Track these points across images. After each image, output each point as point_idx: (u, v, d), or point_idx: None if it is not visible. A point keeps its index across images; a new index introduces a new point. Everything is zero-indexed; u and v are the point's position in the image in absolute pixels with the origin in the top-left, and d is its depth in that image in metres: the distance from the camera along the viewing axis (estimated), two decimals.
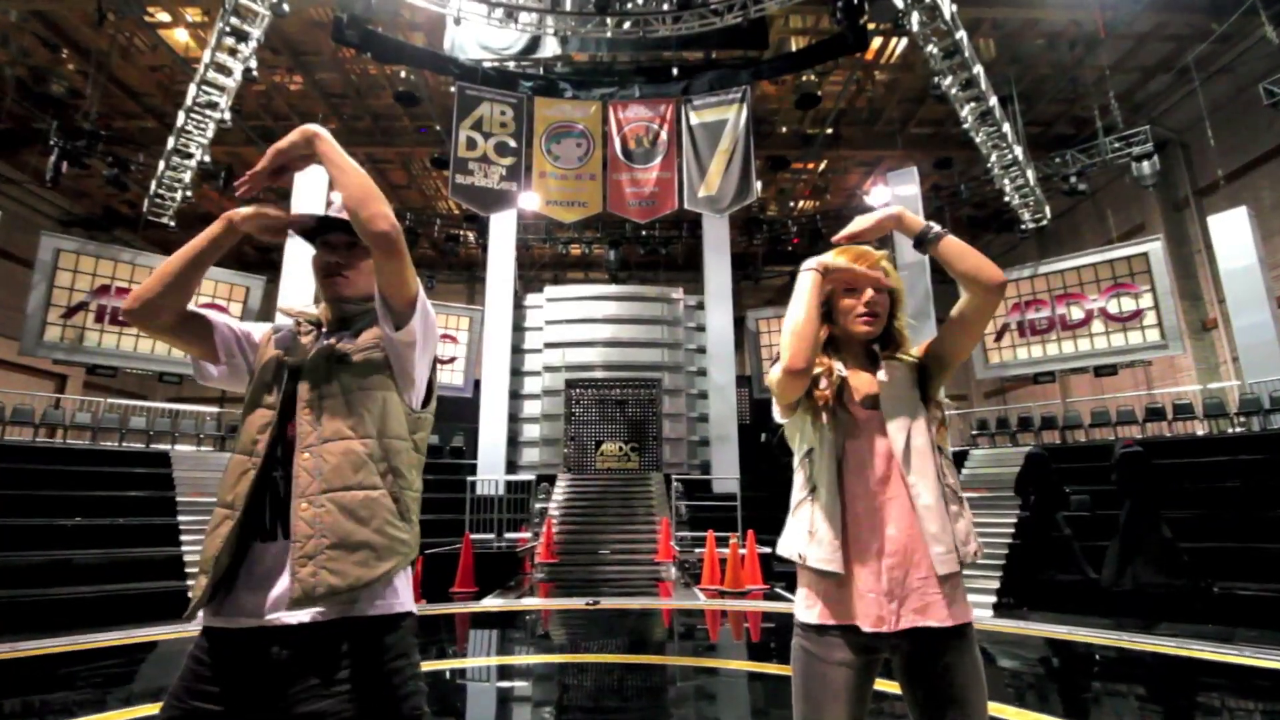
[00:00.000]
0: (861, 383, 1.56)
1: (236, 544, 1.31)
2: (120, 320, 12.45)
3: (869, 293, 1.57)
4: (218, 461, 11.58)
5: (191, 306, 1.46)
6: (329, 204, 1.53)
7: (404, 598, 1.38)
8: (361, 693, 1.26)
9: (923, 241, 1.53)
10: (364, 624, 1.30)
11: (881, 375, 1.54)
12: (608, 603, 7.82)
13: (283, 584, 1.28)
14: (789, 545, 1.53)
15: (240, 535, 1.31)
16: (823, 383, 1.56)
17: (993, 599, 8.05)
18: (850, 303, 1.58)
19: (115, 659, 5.50)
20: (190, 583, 8.12)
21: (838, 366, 1.54)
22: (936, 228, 1.52)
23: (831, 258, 1.58)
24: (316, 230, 1.54)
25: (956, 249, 1.49)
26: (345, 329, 1.51)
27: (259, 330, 1.56)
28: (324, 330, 1.52)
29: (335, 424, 1.37)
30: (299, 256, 12.44)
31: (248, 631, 1.28)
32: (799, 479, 1.56)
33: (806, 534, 1.49)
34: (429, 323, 1.48)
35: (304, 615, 1.26)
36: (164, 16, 12.85)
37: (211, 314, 1.50)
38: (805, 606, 1.50)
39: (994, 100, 11.82)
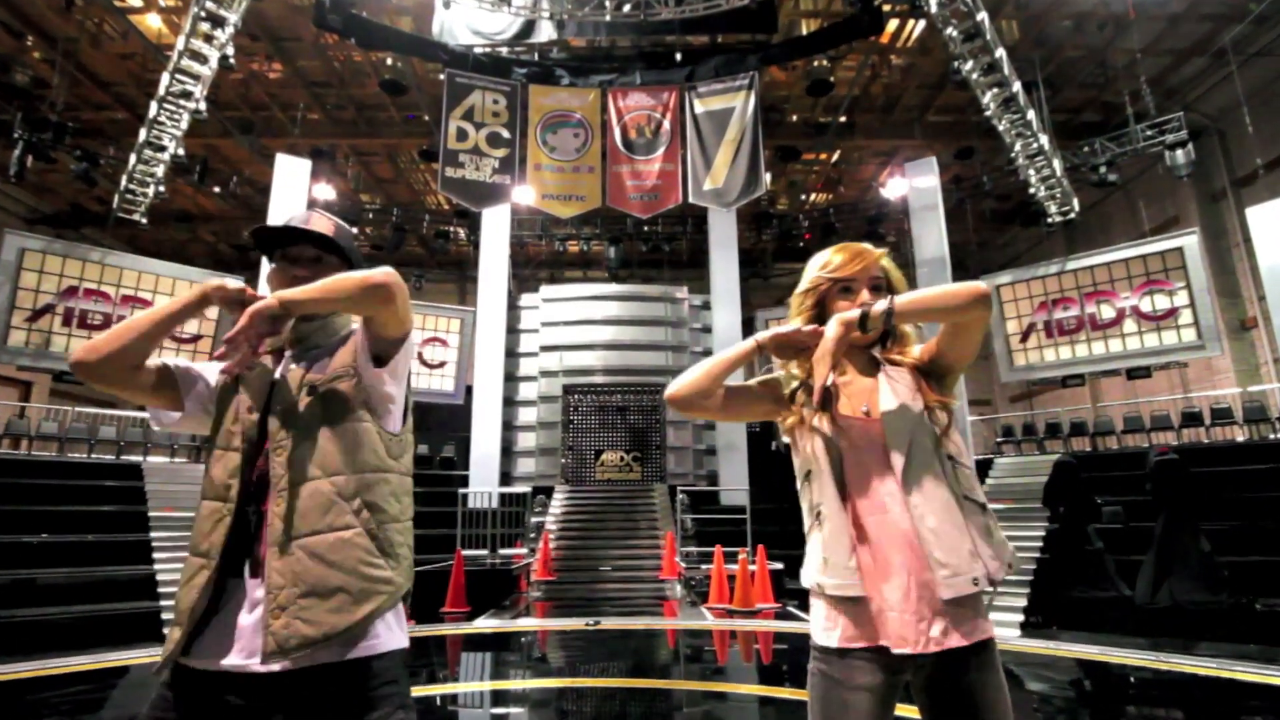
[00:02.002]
0: (858, 389, 1.55)
1: (213, 590, 1.35)
2: (89, 324, 12.49)
3: (864, 294, 1.56)
4: (192, 474, 11.59)
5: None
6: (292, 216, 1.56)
7: (389, 637, 1.39)
8: None
9: (877, 323, 1.47)
10: (342, 669, 1.33)
11: (881, 380, 1.54)
12: (609, 623, 7.82)
13: (256, 629, 1.31)
14: (807, 576, 1.54)
15: (216, 580, 1.35)
16: (800, 397, 1.56)
17: (1020, 617, 8.03)
18: (845, 305, 1.56)
19: (84, 684, 5.50)
20: (166, 603, 8.16)
21: (824, 375, 1.48)
22: (879, 305, 1.47)
23: (812, 269, 1.64)
24: (275, 241, 1.53)
25: (917, 304, 1.46)
26: (303, 346, 1.51)
27: (211, 369, 1.55)
28: (283, 352, 1.51)
29: (303, 463, 1.37)
30: None
31: (219, 675, 1.30)
32: (803, 505, 1.57)
33: (820, 563, 1.50)
34: (409, 347, 1.51)
35: (275, 665, 1.28)
36: (135, 1, 12.90)
37: (169, 360, 1.51)
38: (824, 629, 1.49)
39: (1018, 86, 11.83)
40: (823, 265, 1.60)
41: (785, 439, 1.63)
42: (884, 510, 1.45)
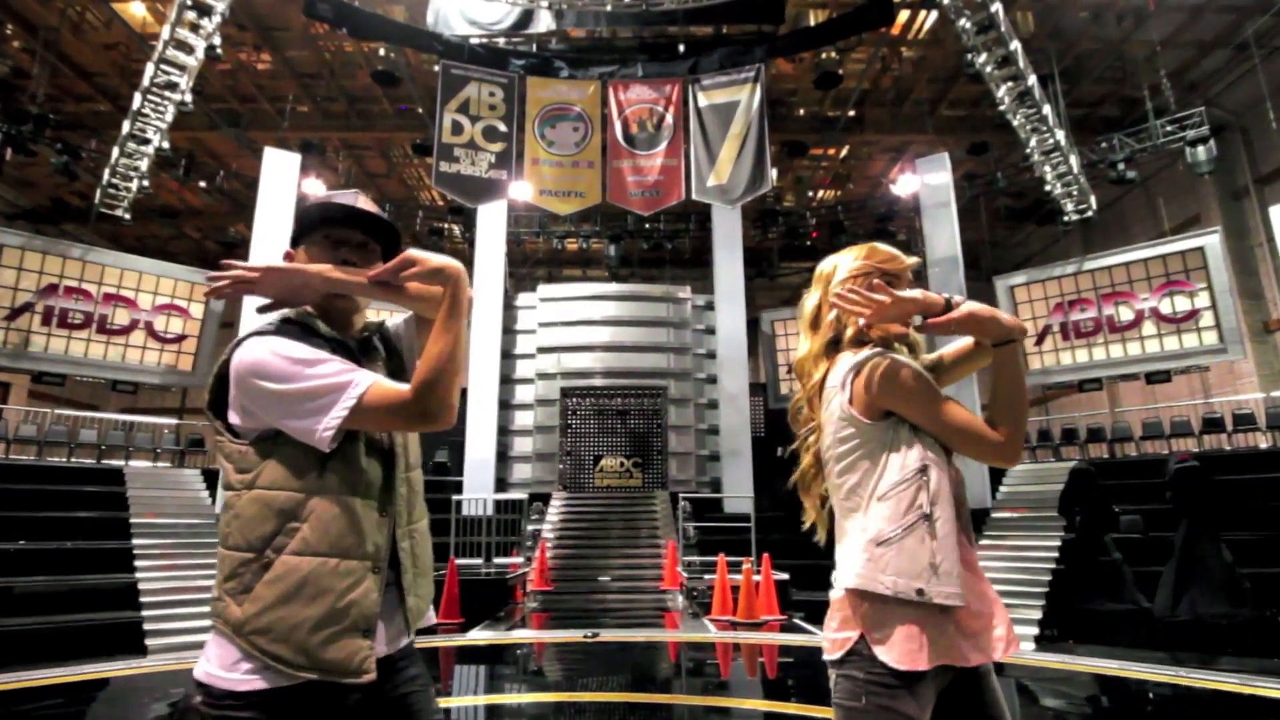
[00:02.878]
0: None
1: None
2: (69, 324, 12.49)
3: (911, 291, 1.59)
4: (175, 479, 11.60)
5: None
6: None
7: None
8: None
9: (944, 311, 1.53)
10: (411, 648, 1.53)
11: None
12: (608, 635, 7.81)
13: (390, 614, 1.43)
14: (899, 581, 1.43)
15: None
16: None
17: (1035, 630, 8.02)
18: None
19: (62, 698, 5.50)
20: (147, 613, 8.16)
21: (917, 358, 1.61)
22: (969, 303, 1.54)
23: (853, 260, 1.66)
24: (321, 220, 1.51)
25: (981, 323, 1.54)
26: (365, 353, 1.53)
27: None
28: (356, 354, 1.49)
29: (410, 453, 1.53)
30: (266, 252, 12.46)
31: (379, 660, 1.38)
32: (900, 501, 1.47)
33: (928, 567, 1.42)
34: None
35: (402, 642, 1.46)
36: None
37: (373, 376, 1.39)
38: (907, 649, 1.40)
39: (1033, 79, 11.84)
40: (865, 256, 1.65)
41: (870, 425, 1.53)
42: (959, 514, 1.52)
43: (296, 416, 1.30)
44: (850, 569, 1.48)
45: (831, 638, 1.50)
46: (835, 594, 1.53)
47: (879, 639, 1.42)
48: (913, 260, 1.66)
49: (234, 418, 1.36)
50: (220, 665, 1.28)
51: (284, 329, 1.41)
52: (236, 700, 1.26)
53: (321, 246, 1.49)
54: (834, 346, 1.63)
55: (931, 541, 1.43)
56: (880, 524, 1.47)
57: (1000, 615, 1.48)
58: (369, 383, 1.32)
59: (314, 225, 1.50)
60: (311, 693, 1.27)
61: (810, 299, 1.71)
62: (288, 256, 1.52)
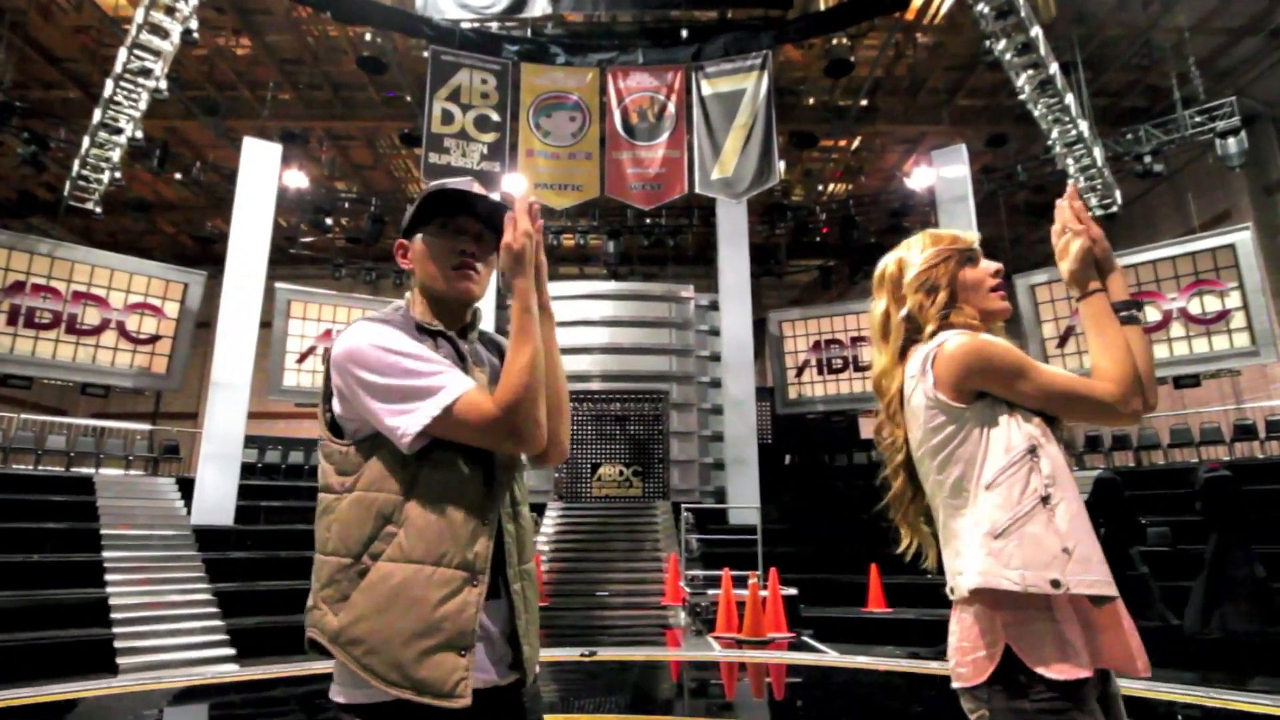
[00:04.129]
0: None
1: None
2: (36, 323, 12.49)
3: (991, 261, 1.58)
4: (148, 488, 11.60)
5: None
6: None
7: None
8: None
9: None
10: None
11: None
12: (606, 654, 7.82)
13: (500, 638, 1.40)
14: (1027, 574, 1.33)
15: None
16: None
17: None
18: (978, 273, 1.58)
19: None
20: (119, 630, 8.16)
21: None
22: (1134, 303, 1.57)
23: (921, 251, 1.62)
24: (443, 207, 1.51)
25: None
26: (471, 353, 1.54)
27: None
28: (460, 351, 1.51)
29: (520, 479, 1.51)
30: (245, 248, 12.48)
31: (491, 690, 1.37)
32: (1012, 487, 1.39)
33: (1060, 554, 1.33)
34: None
35: (511, 677, 1.41)
36: None
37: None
38: (1060, 652, 1.30)
39: (1055, 67, 11.86)
40: (934, 242, 1.61)
41: (960, 408, 1.47)
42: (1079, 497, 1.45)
43: (385, 413, 1.32)
44: (971, 569, 1.38)
45: (969, 659, 1.36)
46: (960, 608, 1.42)
47: (1030, 649, 1.30)
48: (976, 235, 1.64)
49: (337, 406, 1.39)
50: (336, 678, 1.33)
51: (392, 318, 1.45)
52: (344, 712, 1.30)
53: (441, 237, 1.49)
54: (908, 350, 1.58)
55: (1056, 525, 1.36)
56: (995, 514, 1.39)
57: (1131, 625, 1.39)
58: (462, 390, 1.32)
59: (430, 214, 1.50)
60: (413, 713, 1.27)
61: (878, 306, 1.65)
62: (399, 248, 1.55)
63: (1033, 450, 1.40)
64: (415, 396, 1.31)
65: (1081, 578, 1.32)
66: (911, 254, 1.62)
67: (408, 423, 1.30)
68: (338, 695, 1.32)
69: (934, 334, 1.52)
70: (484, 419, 1.31)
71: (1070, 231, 1.54)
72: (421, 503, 1.33)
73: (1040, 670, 1.28)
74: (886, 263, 1.66)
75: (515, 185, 13.66)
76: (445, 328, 1.48)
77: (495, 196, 1.52)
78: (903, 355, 1.57)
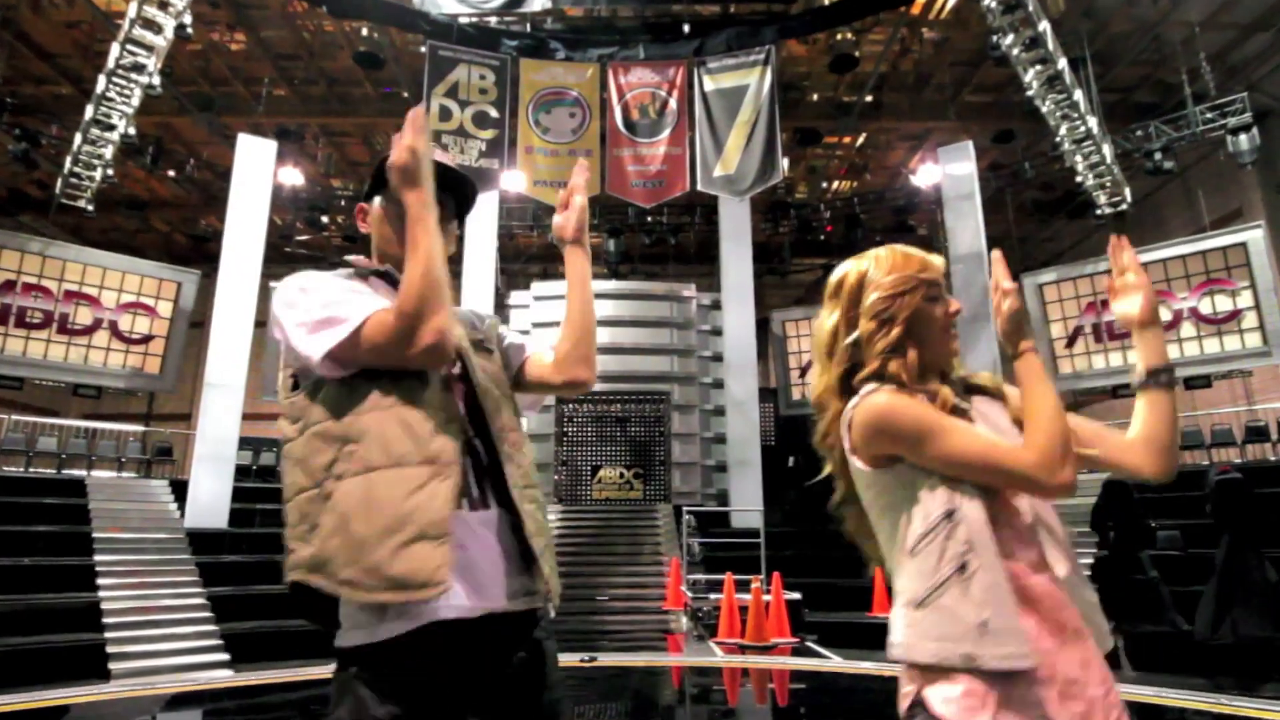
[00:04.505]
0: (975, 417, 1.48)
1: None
2: (27, 323, 12.51)
3: (951, 300, 1.50)
4: (141, 490, 11.61)
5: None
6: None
7: None
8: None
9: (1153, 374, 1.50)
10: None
11: (980, 411, 1.49)
12: (606, 659, 7.81)
13: (506, 545, 1.40)
14: (943, 646, 1.31)
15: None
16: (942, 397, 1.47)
17: None
18: (938, 312, 1.49)
19: None
20: (110, 635, 8.16)
21: (947, 393, 1.43)
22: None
23: (880, 271, 1.50)
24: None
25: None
26: None
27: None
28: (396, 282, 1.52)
29: (509, 412, 1.55)
30: (240, 247, 12.49)
31: (498, 617, 1.36)
32: (929, 556, 1.35)
33: (974, 628, 1.29)
34: None
35: (527, 603, 1.41)
36: None
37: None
38: (965, 708, 1.28)
39: (1063, 62, 11.86)
40: (901, 267, 1.49)
41: (880, 472, 1.43)
42: (1040, 556, 1.38)
43: (299, 342, 1.35)
44: (895, 636, 1.38)
45: (902, 704, 1.39)
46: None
47: (937, 696, 1.30)
48: (941, 261, 1.54)
49: (284, 358, 1.44)
50: (342, 623, 1.34)
51: (336, 267, 1.51)
52: (344, 660, 1.31)
53: (398, 202, 1.48)
54: (850, 378, 1.49)
55: (972, 596, 1.30)
56: (914, 583, 1.36)
57: (1095, 679, 1.31)
58: (372, 310, 1.35)
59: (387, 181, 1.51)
60: (410, 651, 1.28)
61: (827, 319, 1.55)
62: (360, 211, 1.59)
63: (949, 515, 1.34)
64: (328, 325, 1.33)
65: (995, 651, 1.26)
66: (877, 271, 1.50)
67: (314, 345, 1.32)
68: (339, 641, 1.31)
69: (869, 376, 1.45)
70: (386, 330, 1.31)
71: (1001, 290, 1.48)
72: (377, 416, 1.33)
73: (938, 709, 1.29)
74: (847, 272, 1.54)
75: (515, 183, 13.68)
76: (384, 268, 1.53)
77: (450, 162, 1.55)
78: (841, 385, 1.49)
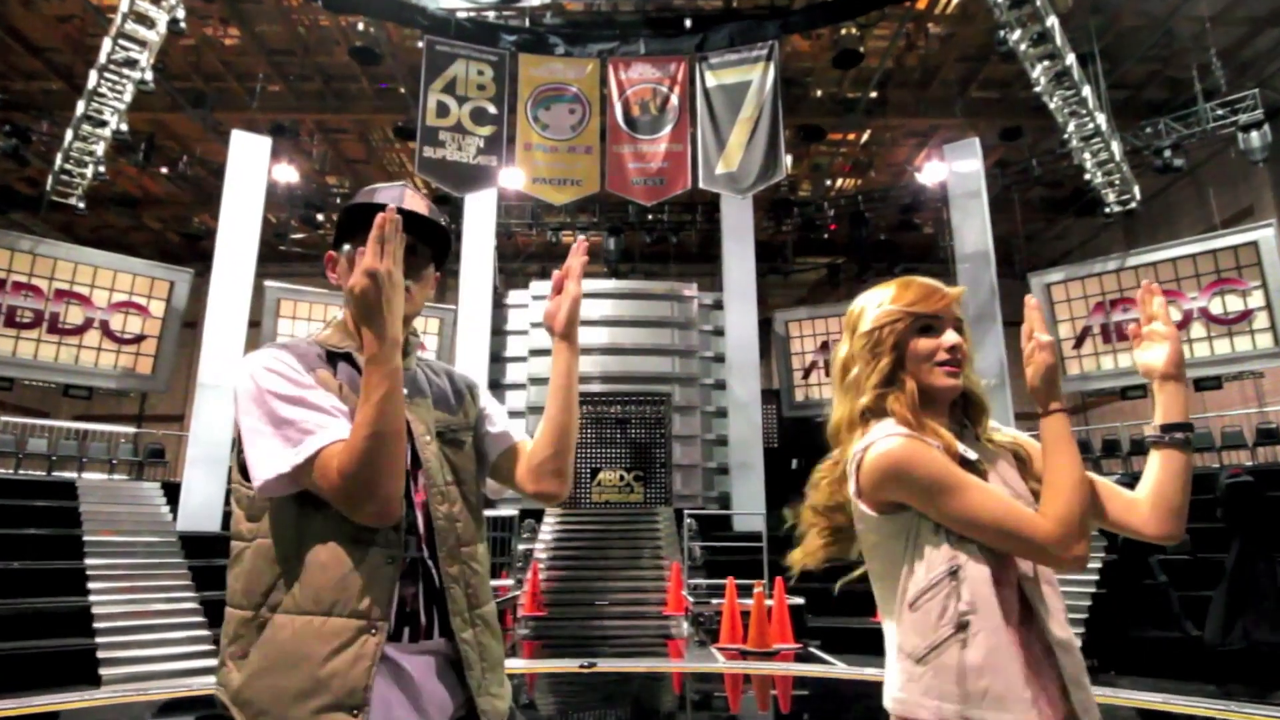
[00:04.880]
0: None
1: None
2: (17, 322, 12.50)
3: (950, 333, 1.47)
4: (133, 493, 11.61)
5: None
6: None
7: None
8: None
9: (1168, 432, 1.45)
10: None
11: (998, 471, 1.46)
12: (606, 665, 7.80)
13: (439, 693, 1.34)
14: (943, 706, 1.30)
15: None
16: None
17: None
18: (928, 345, 1.46)
19: None
20: (101, 640, 8.15)
21: (952, 441, 1.41)
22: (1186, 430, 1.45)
23: (890, 293, 1.50)
24: (366, 220, 1.41)
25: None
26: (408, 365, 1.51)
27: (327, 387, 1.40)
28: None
29: (471, 519, 1.45)
30: (234, 245, 12.49)
31: None
32: (929, 612, 1.34)
33: (973, 689, 1.29)
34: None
35: None
36: None
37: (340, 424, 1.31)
38: None
39: (1072, 58, 11.86)
40: (893, 299, 1.49)
41: (883, 520, 1.42)
42: (1037, 617, 1.35)
43: (251, 458, 1.27)
44: (891, 689, 1.39)
45: None
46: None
47: None
48: (956, 291, 1.50)
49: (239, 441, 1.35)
50: None
51: (295, 344, 1.40)
52: None
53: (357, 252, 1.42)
54: (868, 412, 1.48)
55: (971, 658, 1.29)
56: (913, 637, 1.35)
57: None
58: (332, 440, 1.25)
59: (357, 226, 1.43)
60: None
61: (841, 349, 1.56)
62: (329, 260, 1.50)
63: (954, 571, 1.33)
64: (281, 442, 1.25)
65: (996, 717, 1.26)
66: (875, 302, 1.52)
67: (260, 464, 1.25)
68: None
69: (867, 410, 1.46)
70: (329, 481, 1.23)
71: (1036, 341, 1.42)
72: (313, 548, 1.27)
73: None
74: (856, 304, 1.56)
75: (514, 180, 13.67)
76: (356, 349, 1.42)
77: (424, 209, 1.47)
78: (861, 418, 1.48)
